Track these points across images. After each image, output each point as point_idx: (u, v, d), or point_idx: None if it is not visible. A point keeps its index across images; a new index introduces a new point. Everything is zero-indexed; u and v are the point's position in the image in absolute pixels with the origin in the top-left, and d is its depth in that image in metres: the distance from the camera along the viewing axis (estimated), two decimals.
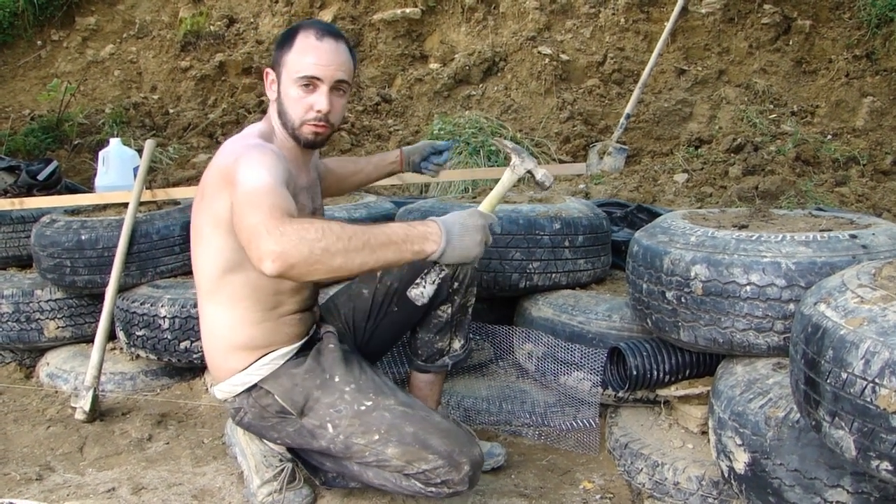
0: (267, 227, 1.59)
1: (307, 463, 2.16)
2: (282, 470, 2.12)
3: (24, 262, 3.66)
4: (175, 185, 4.48)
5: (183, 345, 2.91)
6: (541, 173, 2.01)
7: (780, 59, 5.48)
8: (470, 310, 2.32)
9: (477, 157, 4.59)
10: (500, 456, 2.37)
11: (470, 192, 4.10)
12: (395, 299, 2.26)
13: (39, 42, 6.59)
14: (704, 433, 2.16)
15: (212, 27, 6.29)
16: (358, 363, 2.07)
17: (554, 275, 2.73)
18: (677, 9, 4.88)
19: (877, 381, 1.28)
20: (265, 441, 2.13)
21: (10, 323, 3.29)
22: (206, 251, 1.96)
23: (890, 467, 1.29)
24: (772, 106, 5.16)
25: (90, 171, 5.03)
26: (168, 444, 2.64)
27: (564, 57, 5.45)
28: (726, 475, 1.85)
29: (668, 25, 4.87)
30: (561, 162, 4.72)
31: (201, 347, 2.87)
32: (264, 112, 5.63)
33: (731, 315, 1.92)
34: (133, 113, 5.79)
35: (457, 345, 2.33)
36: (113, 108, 5.83)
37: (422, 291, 1.91)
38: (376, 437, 1.89)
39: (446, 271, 1.99)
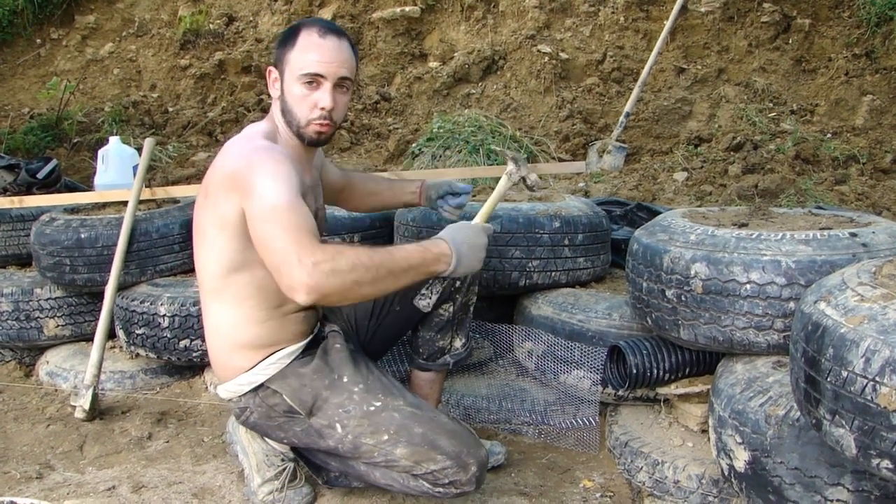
0: (299, 256, 1.66)
1: (310, 462, 2.16)
2: (283, 469, 2.12)
3: (23, 261, 3.66)
4: (174, 183, 4.48)
5: (182, 343, 2.91)
6: (532, 179, 2.15)
7: (779, 57, 5.48)
8: (471, 308, 2.32)
9: (476, 155, 4.59)
10: (500, 454, 2.37)
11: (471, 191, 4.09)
12: (397, 298, 2.26)
13: (39, 40, 6.59)
14: (704, 431, 2.16)
15: (211, 25, 6.29)
16: (365, 363, 2.08)
17: (554, 273, 2.73)
18: (677, 7, 4.88)
19: (877, 379, 1.28)
20: (267, 440, 2.13)
21: (9, 321, 3.29)
22: (211, 251, 1.96)
23: (890, 465, 1.30)
24: (771, 104, 5.16)
25: (89, 170, 5.03)
26: (168, 442, 2.64)
27: (564, 55, 5.45)
28: (726, 473, 1.85)
29: (668, 24, 4.86)
30: (560, 160, 4.72)
31: (201, 346, 2.89)
32: (264, 110, 5.66)
33: (731, 313, 1.92)
34: (132, 111, 5.79)
35: (458, 343, 2.33)
36: (112, 106, 5.83)
37: (428, 302, 2.00)
38: (385, 437, 1.90)
39: (449, 281, 2.06)
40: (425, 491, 1.91)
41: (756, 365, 1.93)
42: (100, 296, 3.14)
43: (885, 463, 1.30)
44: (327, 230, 2.85)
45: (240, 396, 2.04)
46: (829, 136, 4.88)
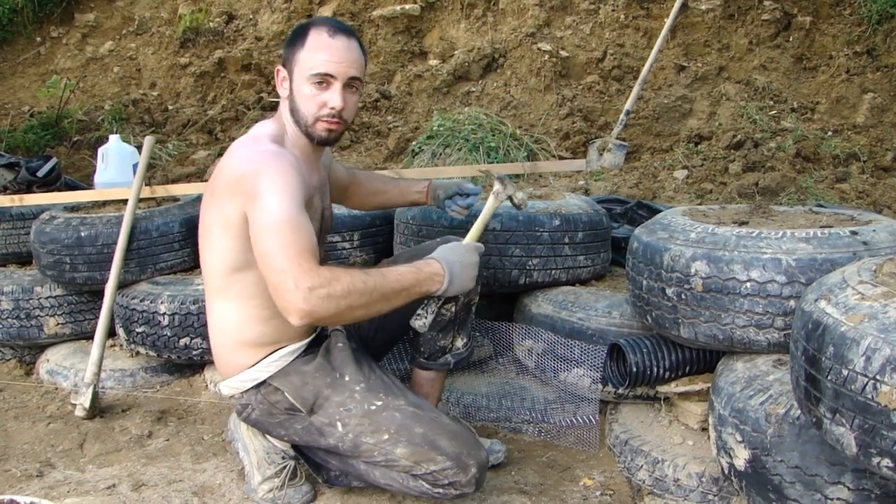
0: (296, 279, 1.69)
1: (311, 460, 2.17)
2: (284, 467, 2.13)
3: (23, 259, 3.66)
4: (174, 181, 4.48)
5: (182, 341, 2.91)
6: (518, 197, 2.22)
7: (780, 55, 5.47)
8: (473, 308, 2.32)
9: (476, 153, 4.58)
10: (500, 453, 2.37)
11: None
12: None
13: (39, 39, 6.58)
14: (704, 430, 2.16)
15: (211, 24, 6.28)
16: (367, 362, 2.08)
17: (553, 271, 2.73)
18: (677, 5, 4.88)
19: (878, 377, 1.28)
20: (269, 438, 2.14)
21: (10, 320, 3.29)
22: (216, 250, 1.96)
23: (891, 464, 1.29)
24: (772, 102, 5.15)
25: (90, 168, 5.03)
26: (168, 440, 2.64)
27: (564, 53, 5.44)
28: (726, 472, 1.85)
29: (668, 22, 4.86)
30: (561, 158, 4.71)
31: (201, 344, 2.89)
32: (264, 108, 5.66)
33: (731, 312, 1.92)
34: (132, 109, 5.78)
35: (459, 343, 2.33)
36: (112, 104, 5.82)
37: (424, 322, 2.02)
38: (386, 436, 1.91)
39: (443, 300, 2.08)
40: (425, 491, 1.92)
41: (756, 363, 1.92)
42: (100, 294, 3.14)
43: (886, 461, 1.30)
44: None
45: (242, 393, 2.05)
46: (829, 133, 4.87)
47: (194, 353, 2.93)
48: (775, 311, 1.86)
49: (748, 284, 1.87)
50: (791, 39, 5.52)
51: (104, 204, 3.52)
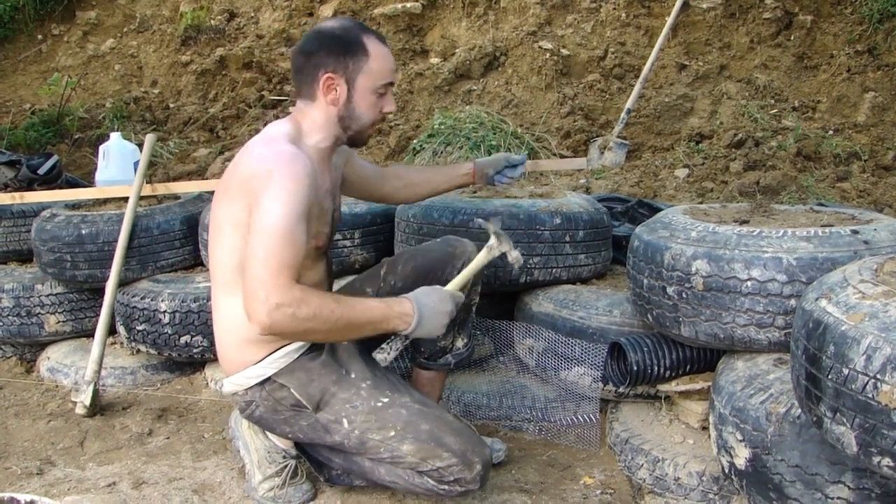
0: (268, 292, 1.74)
1: (313, 459, 2.17)
2: (285, 466, 2.13)
3: (24, 257, 3.66)
4: (175, 179, 4.49)
5: (183, 339, 2.91)
6: (513, 255, 2.16)
7: (781, 54, 5.46)
8: (474, 308, 2.33)
9: (478, 151, 4.58)
10: (500, 451, 2.37)
11: (470, 187, 4.08)
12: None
13: (40, 36, 6.58)
14: (705, 429, 2.16)
15: (212, 21, 6.28)
16: (372, 359, 2.09)
17: (554, 270, 2.72)
18: (678, 4, 4.88)
19: (878, 377, 1.28)
20: (271, 436, 2.14)
21: (10, 317, 3.29)
22: (225, 246, 1.96)
23: (891, 463, 1.29)
24: (773, 101, 5.14)
25: (91, 166, 5.03)
26: (168, 438, 2.64)
27: (565, 52, 5.44)
28: (727, 471, 1.85)
29: (670, 20, 4.87)
30: (562, 157, 4.71)
31: (201, 342, 2.89)
32: (265, 106, 5.65)
33: (731, 310, 1.92)
34: (133, 107, 5.79)
35: (460, 343, 2.33)
36: (113, 102, 5.83)
37: (385, 357, 2.03)
38: (392, 433, 1.92)
39: (409, 341, 2.06)
40: (429, 488, 1.93)
41: (757, 362, 1.92)
42: (100, 292, 3.14)
43: (886, 461, 1.30)
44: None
45: (246, 390, 2.04)
46: (830, 132, 4.87)
47: (195, 350, 2.93)
48: (776, 309, 1.86)
49: (749, 283, 1.87)
50: (792, 38, 5.51)
51: (105, 202, 3.52)
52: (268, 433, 2.14)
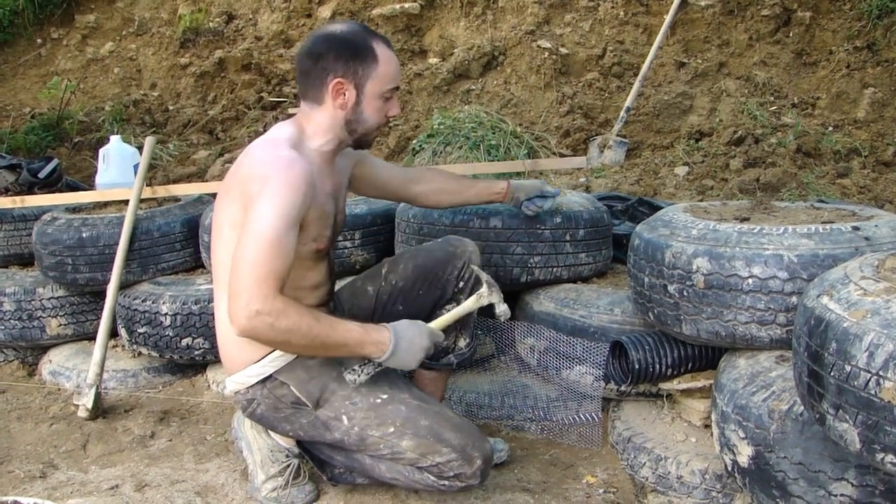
0: (250, 298, 1.74)
1: (315, 457, 2.17)
2: (287, 466, 2.13)
3: (25, 260, 3.66)
4: (175, 181, 4.48)
5: (184, 341, 2.91)
6: (500, 309, 2.13)
7: (780, 50, 5.46)
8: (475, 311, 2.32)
9: (477, 151, 4.57)
10: (503, 451, 2.37)
11: None
12: (400, 298, 2.28)
13: (39, 40, 6.58)
14: (707, 427, 2.16)
15: (211, 24, 6.28)
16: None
17: (555, 269, 2.72)
18: (677, 1, 4.87)
19: (881, 373, 1.28)
20: (273, 436, 2.14)
21: (12, 321, 3.29)
22: (226, 245, 1.97)
23: (894, 460, 1.29)
24: (772, 98, 5.14)
25: (91, 169, 5.03)
26: (171, 440, 2.64)
27: (564, 50, 5.43)
28: (730, 469, 1.85)
29: (668, 18, 4.86)
30: (561, 156, 4.71)
31: (203, 344, 2.89)
32: (264, 108, 5.64)
33: (733, 308, 1.92)
34: (133, 110, 5.79)
35: (462, 343, 2.33)
36: (113, 105, 5.83)
37: (355, 378, 1.96)
38: (391, 429, 1.93)
39: (381, 368, 2.02)
40: (430, 484, 1.93)
41: (759, 360, 1.92)
42: (102, 295, 3.15)
43: (890, 457, 1.30)
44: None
45: (247, 388, 2.05)
46: (830, 129, 4.86)
47: (196, 353, 2.93)
48: (777, 307, 1.86)
49: (750, 281, 1.87)
50: (791, 35, 5.51)
51: (105, 205, 3.52)
52: (270, 432, 2.14)
